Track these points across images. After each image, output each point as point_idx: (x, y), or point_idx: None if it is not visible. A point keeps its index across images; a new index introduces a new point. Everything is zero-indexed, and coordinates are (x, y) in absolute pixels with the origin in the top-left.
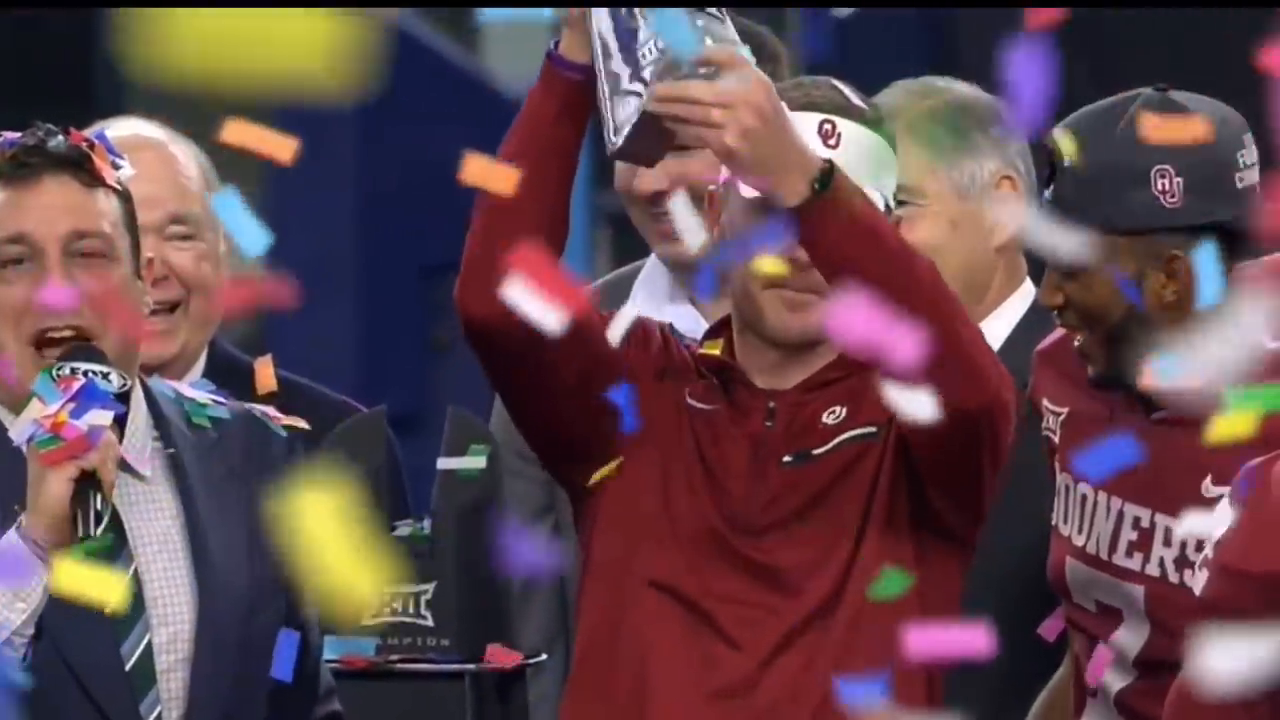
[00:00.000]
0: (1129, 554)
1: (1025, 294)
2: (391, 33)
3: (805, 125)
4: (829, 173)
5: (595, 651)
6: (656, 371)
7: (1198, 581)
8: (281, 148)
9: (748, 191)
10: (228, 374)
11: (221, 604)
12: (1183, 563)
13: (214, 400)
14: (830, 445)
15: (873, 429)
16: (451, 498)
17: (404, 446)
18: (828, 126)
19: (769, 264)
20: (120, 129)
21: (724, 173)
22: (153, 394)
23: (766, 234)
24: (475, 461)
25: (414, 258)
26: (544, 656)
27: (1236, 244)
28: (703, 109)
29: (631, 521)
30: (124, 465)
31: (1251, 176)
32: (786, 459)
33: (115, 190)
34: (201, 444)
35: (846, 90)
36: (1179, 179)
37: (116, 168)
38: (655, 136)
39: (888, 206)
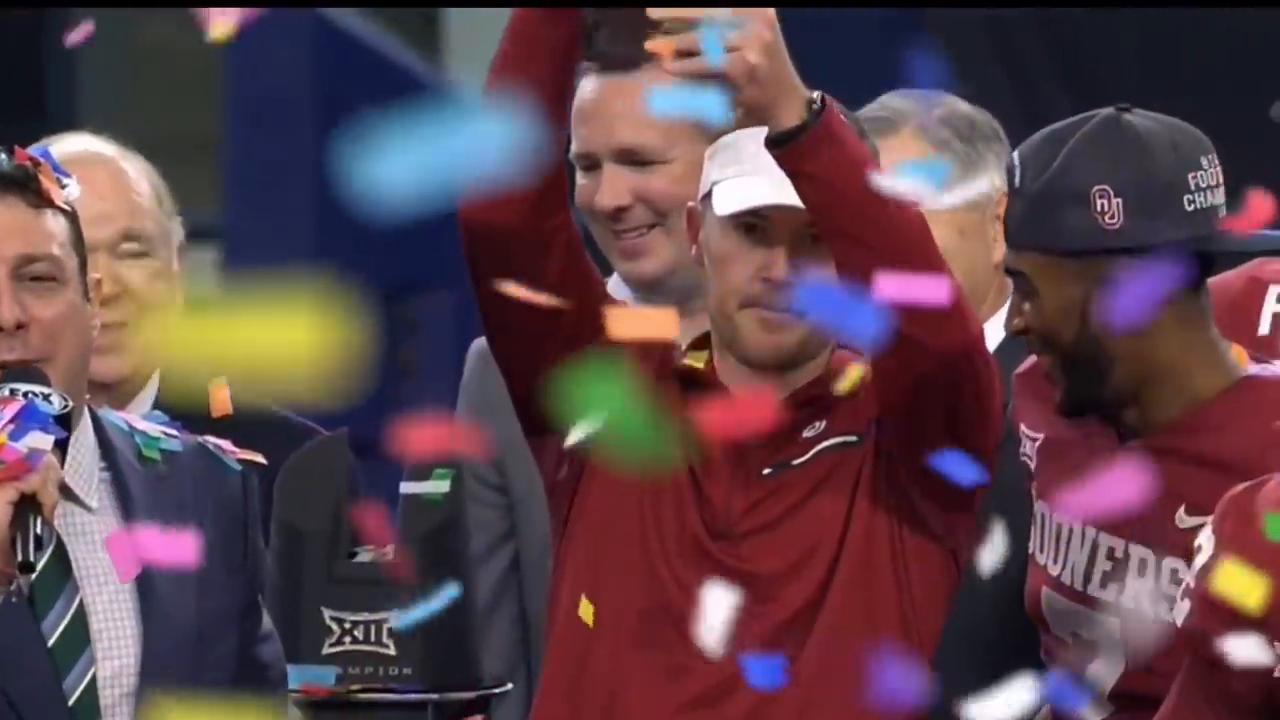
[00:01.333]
0: (1103, 585)
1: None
2: (353, 43)
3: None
4: (821, 98)
5: (565, 658)
6: (654, 375)
7: (1179, 612)
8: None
9: (723, 208)
10: (182, 396)
11: (167, 638)
12: (1158, 595)
13: (166, 433)
14: (809, 455)
15: (853, 437)
16: (414, 523)
17: (366, 471)
18: None
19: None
20: (70, 144)
21: (703, 187)
22: (101, 423)
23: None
24: (439, 486)
25: (376, 276)
26: (509, 686)
27: (1194, 265)
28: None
29: (609, 527)
30: (70, 495)
31: (1210, 198)
32: (766, 471)
33: (63, 210)
34: (150, 476)
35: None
36: (1118, 199)
37: (63, 186)
38: (635, 35)
39: None
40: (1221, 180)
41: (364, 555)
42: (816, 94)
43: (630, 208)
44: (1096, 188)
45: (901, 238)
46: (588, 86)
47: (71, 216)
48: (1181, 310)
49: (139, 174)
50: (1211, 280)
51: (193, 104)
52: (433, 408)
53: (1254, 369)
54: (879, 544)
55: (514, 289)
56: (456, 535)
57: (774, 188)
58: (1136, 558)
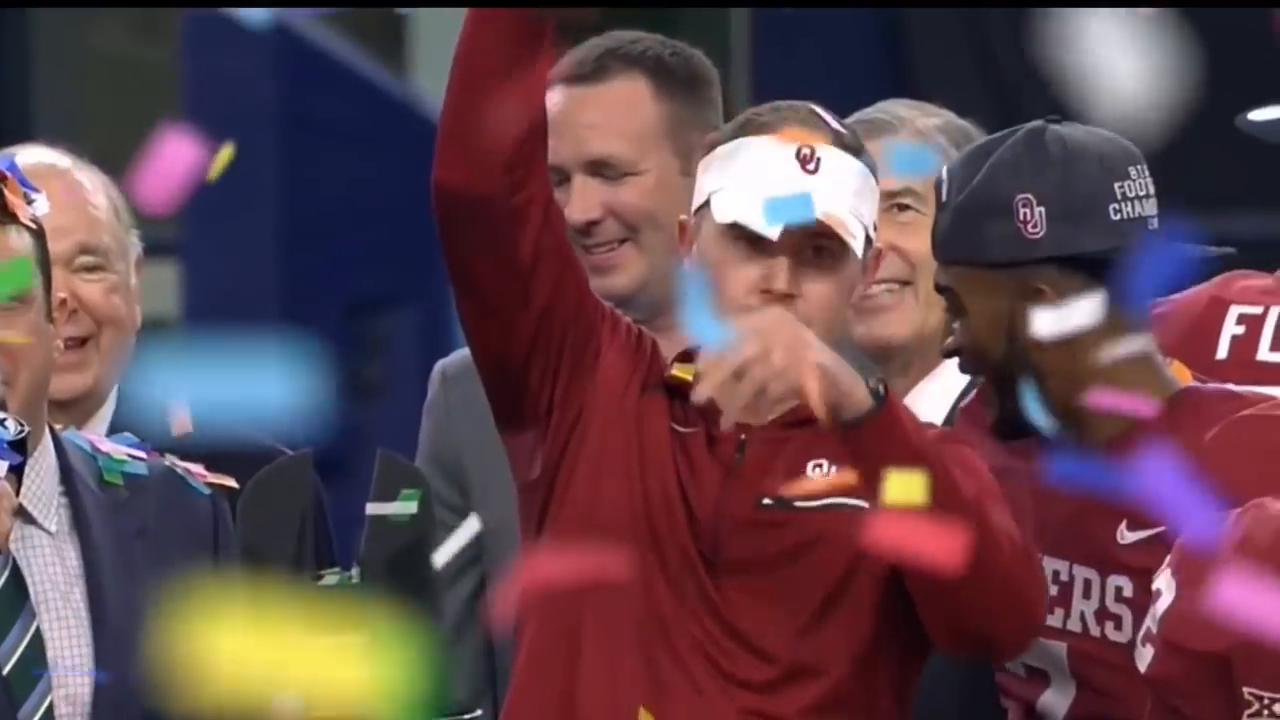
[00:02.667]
0: (1050, 611)
1: None
2: (316, 53)
3: (783, 150)
4: (880, 381)
5: (545, 666)
6: (642, 383)
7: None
8: None
9: (723, 216)
10: (141, 414)
11: (122, 664)
12: (1103, 615)
13: (131, 455)
14: (816, 504)
15: (864, 504)
16: (381, 545)
17: (330, 491)
18: (806, 151)
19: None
20: (25, 156)
21: (699, 197)
22: (63, 446)
23: None
24: (406, 507)
25: (339, 292)
26: (478, 713)
27: (1118, 276)
28: (761, 364)
29: (595, 535)
30: (28, 518)
31: (1139, 208)
32: (766, 501)
33: (27, 227)
34: (110, 501)
35: (825, 115)
36: (1041, 208)
37: (29, 202)
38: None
39: (869, 237)
40: (1152, 191)
41: (329, 578)
42: (876, 381)
43: (600, 221)
44: (1019, 197)
45: (965, 517)
46: (554, 98)
47: (37, 233)
48: (1115, 322)
49: (96, 186)
50: (1173, 299)
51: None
52: (397, 429)
53: (1194, 384)
54: (866, 618)
55: (487, 259)
56: (425, 557)
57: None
58: (1081, 579)
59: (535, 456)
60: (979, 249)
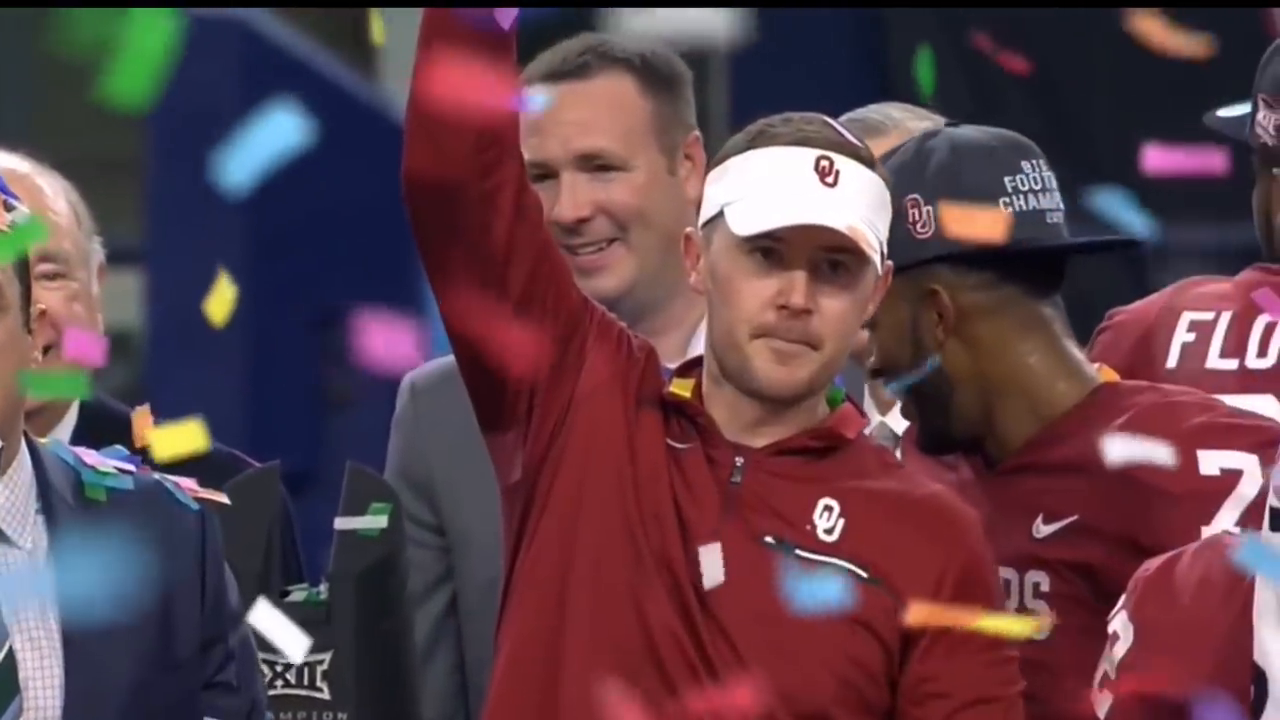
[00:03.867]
0: None
1: None
2: (283, 57)
3: (801, 161)
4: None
5: (524, 678)
6: (636, 394)
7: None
8: None
9: (741, 228)
10: (102, 425)
11: (93, 687)
12: (1021, 613)
13: (119, 469)
14: (819, 557)
15: (866, 574)
16: (350, 560)
17: (298, 506)
18: (825, 163)
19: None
20: None
21: (708, 210)
22: (41, 458)
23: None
24: (376, 521)
25: (307, 303)
26: None
27: (1029, 271)
28: None
29: (582, 547)
30: (1, 535)
31: (1033, 202)
32: (769, 539)
33: (5, 234)
34: (88, 516)
35: (839, 126)
36: (928, 207)
37: (9, 209)
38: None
39: (882, 251)
40: (1051, 186)
41: (297, 594)
42: None
43: (590, 219)
44: (908, 198)
45: None
46: (536, 95)
47: None
48: (1022, 320)
49: (56, 192)
50: (1130, 307)
51: (112, 120)
52: (365, 442)
53: (1115, 380)
54: (853, 694)
55: (460, 248)
56: (394, 572)
57: (795, 208)
58: (1002, 579)
59: (516, 459)
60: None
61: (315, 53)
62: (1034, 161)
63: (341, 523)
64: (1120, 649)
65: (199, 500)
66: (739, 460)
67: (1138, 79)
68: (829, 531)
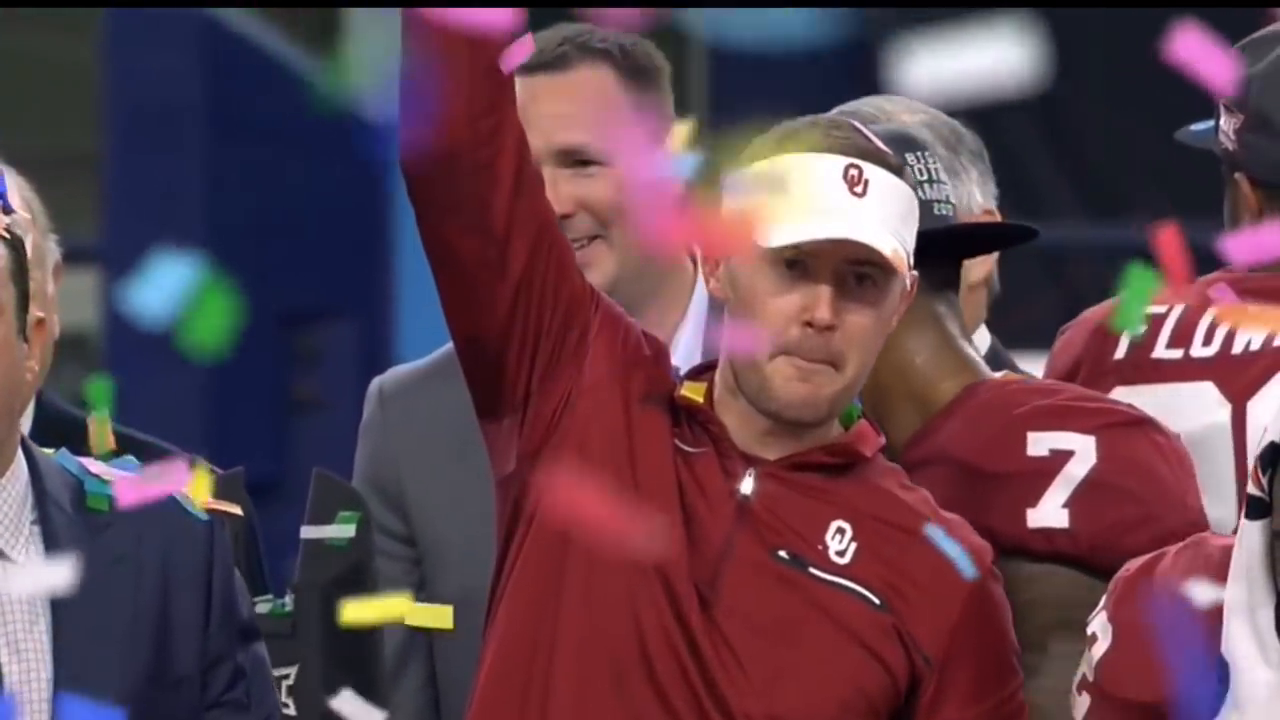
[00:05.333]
0: None
1: (983, 338)
2: (246, 49)
3: (829, 169)
4: None
5: (510, 685)
6: (641, 392)
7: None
8: None
9: (766, 240)
10: (57, 430)
11: (83, 706)
12: None
13: (126, 479)
14: (832, 577)
15: (875, 599)
16: (317, 570)
17: (262, 514)
18: (854, 172)
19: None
20: None
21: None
22: (38, 467)
23: None
24: (344, 530)
25: (271, 303)
26: None
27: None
28: None
29: (576, 547)
30: None
31: (918, 194)
32: (782, 554)
33: (3, 238)
34: (88, 526)
35: (868, 132)
36: None
37: (8, 213)
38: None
39: (909, 263)
40: (939, 177)
41: (262, 606)
42: None
43: (572, 216)
44: None
45: None
46: (516, 89)
47: (14, 244)
48: (911, 317)
49: (11, 189)
50: (1099, 305)
51: (70, 116)
52: (332, 448)
53: (992, 376)
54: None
55: (458, 222)
56: (363, 584)
57: (823, 221)
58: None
59: (510, 448)
60: None
61: (279, 47)
62: (920, 154)
63: (308, 532)
64: (1099, 649)
65: (210, 511)
66: (751, 471)
67: (1132, 77)
68: (840, 554)
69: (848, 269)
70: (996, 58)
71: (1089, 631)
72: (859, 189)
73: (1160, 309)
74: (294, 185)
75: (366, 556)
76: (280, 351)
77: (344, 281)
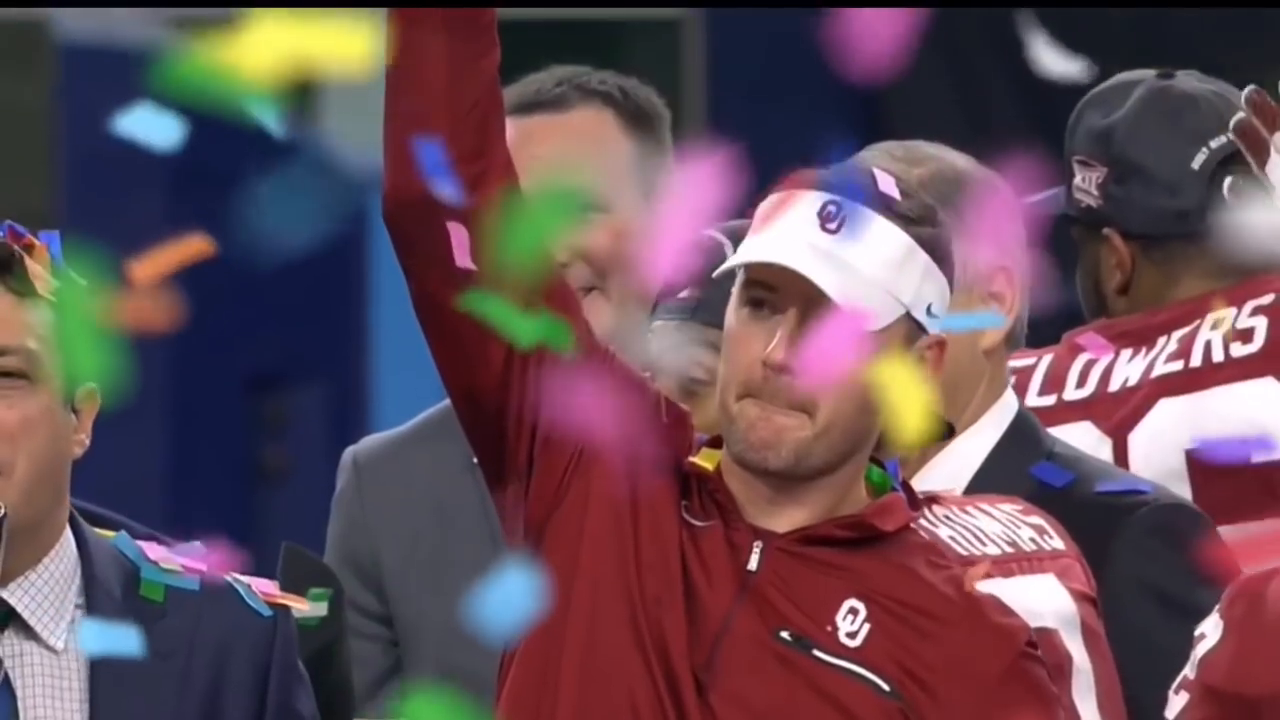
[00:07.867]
0: None
1: (1007, 405)
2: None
3: (806, 204)
4: None
5: None
6: (652, 460)
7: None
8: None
9: (731, 260)
10: None
11: None
12: None
13: (187, 567)
14: (838, 660)
15: (885, 684)
16: None
17: None
18: (831, 209)
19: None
20: None
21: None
22: (90, 552)
23: None
24: (315, 608)
25: (238, 365)
26: None
27: None
28: None
29: (574, 624)
30: (29, 633)
31: None
32: (785, 635)
33: (47, 300)
34: (138, 615)
35: (884, 176)
36: None
37: (57, 276)
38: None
39: (921, 326)
40: None
41: None
42: None
43: (567, 266)
44: None
45: None
46: (509, 129)
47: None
48: None
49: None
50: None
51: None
52: (301, 519)
53: None
54: None
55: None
56: (334, 666)
57: (775, 248)
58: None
59: (517, 518)
60: None
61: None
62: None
63: None
64: (1204, 647)
65: (274, 605)
66: (758, 545)
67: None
68: (851, 635)
69: (810, 302)
70: None
71: (1199, 633)
72: (831, 225)
73: (1029, 361)
74: (263, 240)
75: (338, 636)
76: (247, 417)
77: (314, 342)
